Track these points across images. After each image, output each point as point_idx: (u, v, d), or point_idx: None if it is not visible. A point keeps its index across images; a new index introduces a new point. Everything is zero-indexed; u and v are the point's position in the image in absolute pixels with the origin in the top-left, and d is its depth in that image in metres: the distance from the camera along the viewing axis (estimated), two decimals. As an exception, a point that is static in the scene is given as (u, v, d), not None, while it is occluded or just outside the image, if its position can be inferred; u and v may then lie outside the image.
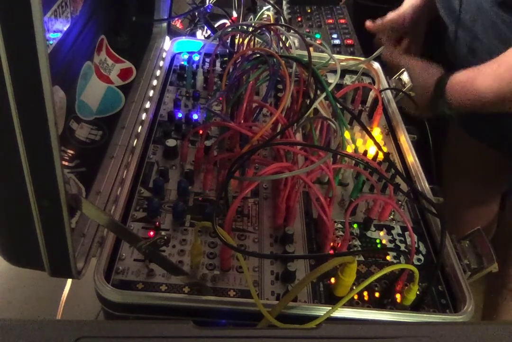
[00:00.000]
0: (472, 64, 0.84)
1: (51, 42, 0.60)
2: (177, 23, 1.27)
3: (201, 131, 0.71)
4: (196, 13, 1.11)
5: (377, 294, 0.56)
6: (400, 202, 0.70)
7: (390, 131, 0.83)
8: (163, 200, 0.64)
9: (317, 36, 1.17)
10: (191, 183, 0.67)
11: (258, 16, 1.04)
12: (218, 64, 0.93)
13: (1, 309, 1.02)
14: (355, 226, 0.65)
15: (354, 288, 0.55)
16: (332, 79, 0.74)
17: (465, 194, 1.22)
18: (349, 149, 0.71)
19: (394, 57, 0.96)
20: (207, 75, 0.87)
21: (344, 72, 0.94)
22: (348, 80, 0.94)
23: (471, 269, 0.59)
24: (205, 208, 0.62)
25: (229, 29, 0.85)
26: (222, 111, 0.73)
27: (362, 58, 0.85)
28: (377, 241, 0.64)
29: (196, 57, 0.91)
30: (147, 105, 0.78)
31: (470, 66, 0.84)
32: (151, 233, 0.60)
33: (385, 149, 0.77)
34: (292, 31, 0.86)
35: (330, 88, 0.66)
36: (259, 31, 0.80)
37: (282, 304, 0.48)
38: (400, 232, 0.65)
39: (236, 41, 0.87)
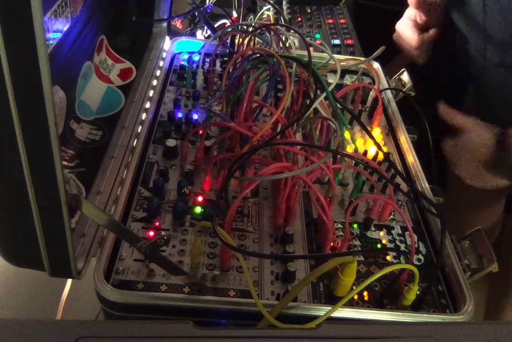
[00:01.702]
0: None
1: (51, 42, 0.60)
2: (177, 23, 1.27)
3: (201, 131, 0.71)
4: (196, 13, 1.11)
5: (377, 294, 0.56)
6: (400, 202, 0.70)
7: (390, 131, 0.83)
8: (163, 200, 0.64)
9: (317, 36, 1.17)
10: (191, 183, 0.67)
11: (258, 16, 1.04)
12: (218, 64, 0.93)
13: (1, 309, 1.02)
14: (355, 226, 0.65)
15: (354, 288, 0.55)
16: (332, 79, 0.74)
17: (469, 195, 1.22)
18: (349, 149, 0.70)
19: (450, 115, 0.88)
20: (207, 75, 0.87)
21: (344, 72, 0.94)
22: (348, 80, 0.94)
23: (471, 269, 0.59)
24: (205, 208, 0.62)
25: (229, 29, 0.85)
26: (222, 111, 0.73)
27: (362, 58, 0.85)
28: (377, 241, 0.64)
29: (196, 57, 0.91)
30: (147, 105, 0.78)
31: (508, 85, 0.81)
32: (151, 233, 0.60)
33: (385, 149, 0.77)
34: (292, 31, 0.86)
35: (330, 88, 0.66)
36: (259, 31, 0.80)
37: (282, 304, 0.48)
38: (400, 232, 0.65)
39: (236, 41, 0.87)
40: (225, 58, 0.93)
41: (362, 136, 0.79)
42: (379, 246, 0.63)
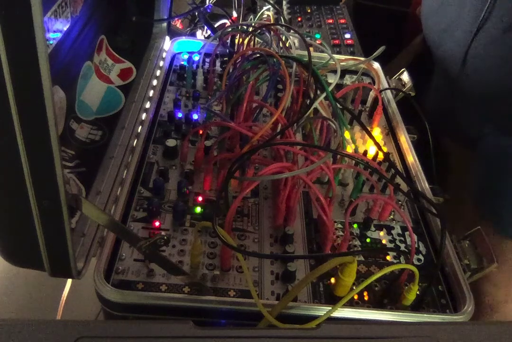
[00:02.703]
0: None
1: (51, 42, 0.60)
2: (177, 23, 1.27)
3: (201, 131, 0.71)
4: (196, 13, 1.11)
5: (377, 294, 0.56)
6: (400, 202, 0.70)
7: (390, 131, 0.83)
8: (163, 200, 0.64)
9: (317, 36, 1.17)
10: (191, 183, 0.67)
11: (258, 16, 1.05)
12: (218, 64, 0.93)
13: (1, 309, 1.02)
14: (355, 226, 0.65)
15: (354, 288, 0.55)
16: (332, 79, 0.74)
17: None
18: (349, 149, 0.70)
19: None
20: (207, 75, 0.87)
21: (344, 72, 0.94)
22: (348, 80, 0.94)
23: (471, 269, 0.59)
24: (205, 208, 0.62)
25: (229, 29, 0.85)
26: (222, 111, 0.73)
27: (362, 58, 0.84)
28: (377, 241, 0.64)
29: (196, 57, 0.91)
30: (147, 105, 0.78)
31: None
32: (152, 233, 0.60)
33: (385, 149, 0.77)
34: (292, 31, 0.86)
35: (330, 88, 0.66)
36: (259, 31, 0.80)
37: (282, 304, 0.48)
38: (400, 232, 0.65)
39: (236, 41, 0.87)
40: (225, 58, 0.93)
41: (362, 136, 0.79)
42: (379, 246, 0.63)
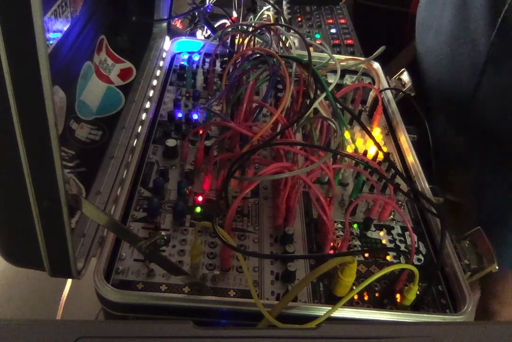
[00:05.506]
0: None
1: (51, 42, 0.60)
2: (177, 23, 1.27)
3: (201, 131, 0.71)
4: (196, 13, 1.11)
5: (377, 294, 0.56)
6: (400, 202, 0.70)
7: (390, 131, 0.83)
8: (163, 200, 0.64)
9: (317, 36, 1.17)
10: (191, 183, 0.67)
11: (258, 16, 1.05)
12: (218, 64, 0.93)
13: (1, 308, 1.02)
14: (355, 226, 0.65)
15: (354, 288, 0.55)
16: (332, 79, 0.74)
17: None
18: (349, 149, 0.70)
19: None
20: (207, 75, 0.87)
21: (344, 72, 0.94)
22: (348, 80, 0.94)
23: (471, 269, 0.59)
24: (205, 208, 0.62)
25: (229, 29, 0.86)
26: (222, 111, 0.73)
27: (362, 58, 0.84)
28: (377, 241, 0.64)
29: (196, 57, 0.91)
30: (147, 105, 0.78)
31: None
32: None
33: (385, 149, 0.77)
34: (292, 31, 0.86)
35: (330, 88, 0.66)
36: (259, 31, 0.80)
37: (282, 304, 0.48)
38: (400, 232, 0.65)
39: (236, 41, 0.87)
40: (225, 58, 0.93)
41: (362, 136, 0.79)
42: (379, 246, 0.63)
